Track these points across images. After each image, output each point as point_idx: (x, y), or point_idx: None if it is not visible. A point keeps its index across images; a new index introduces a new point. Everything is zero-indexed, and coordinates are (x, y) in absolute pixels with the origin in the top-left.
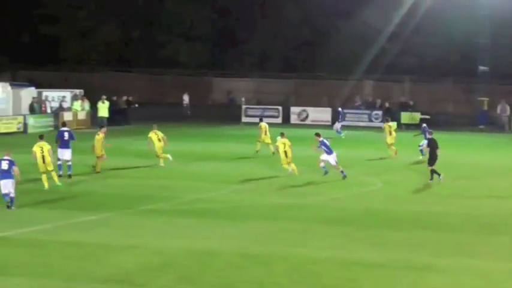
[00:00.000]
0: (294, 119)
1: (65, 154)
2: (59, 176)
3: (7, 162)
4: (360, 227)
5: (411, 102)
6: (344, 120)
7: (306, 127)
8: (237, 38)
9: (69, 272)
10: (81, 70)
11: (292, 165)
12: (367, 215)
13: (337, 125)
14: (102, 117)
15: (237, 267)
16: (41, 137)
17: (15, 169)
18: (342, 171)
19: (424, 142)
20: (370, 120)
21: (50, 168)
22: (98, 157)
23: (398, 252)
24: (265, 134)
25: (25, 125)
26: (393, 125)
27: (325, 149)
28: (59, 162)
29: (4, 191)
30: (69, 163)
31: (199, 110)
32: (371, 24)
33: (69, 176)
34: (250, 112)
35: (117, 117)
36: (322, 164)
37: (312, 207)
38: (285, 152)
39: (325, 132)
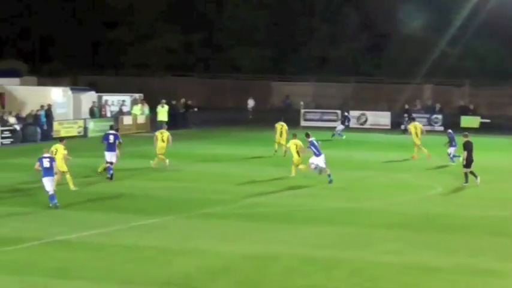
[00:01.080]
0: (352, 122)
1: (112, 157)
2: (108, 177)
3: (48, 159)
4: (419, 231)
5: (471, 106)
6: (348, 125)
7: (365, 131)
8: (297, 42)
9: (129, 275)
10: (141, 74)
11: (301, 166)
12: (426, 219)
13: (340, 127)
14: (161, 121)
15: (296, 271)
16: (61, 139)
17: (55, 165)
18: (329, 175)
19: (451, 149)
20: (430, 124)
21: (64, 169)
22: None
23: (458, 256)
24: (280, 135)
25: (85, 129)
26: (418, 125)
27: (314, 150)
28: (107, 165)
29: (48, 188)
30: (112, 166)
31: (259, 114)
32: (431, 28)
33: (110, 178)
34: (309, 116)
35: (176, 121)
36: (313, 166)
37: (371, 212)
38: (298, 153)
39: (385, 136)
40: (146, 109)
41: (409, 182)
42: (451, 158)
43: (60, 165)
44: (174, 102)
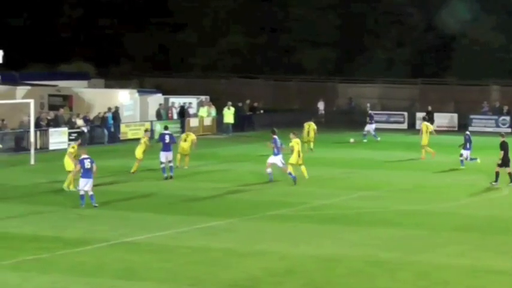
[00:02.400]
0: (419, 124)
1: (168, 156)
2: (165, 178)
3: (89, 160)
4: (487, 234)
5: None
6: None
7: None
8: (363, 44)
9: (195, 277)
10: (207, 77)
11: (303, 168)
12: (494, 221)
13: (370, 127)
14: (227, 123)
15: (362, 273)
16: (75, 139)
17: (95, 167)
18: (289, 173)
19: (464, 152)
20: (497, 126)
21: (70, 169)
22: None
23: None
24: (308, 134)
25: (152, 131)
26: (430, 126)
27: (275, 148)
28: (162, 166)
29: (84, 189)
30: (171, 164)
31: (326, 116)
32: (499, 29)
33: (171, 177)
34: (376, 118)
35: (242, 123)
36: (269, 170)
37: (438, 214)
38: (298, 152)
39: (451, 138)
40: (213, 111)
41: (476, 184)
42: (462, 161)
43: (69, 163)
44: (240, 104)
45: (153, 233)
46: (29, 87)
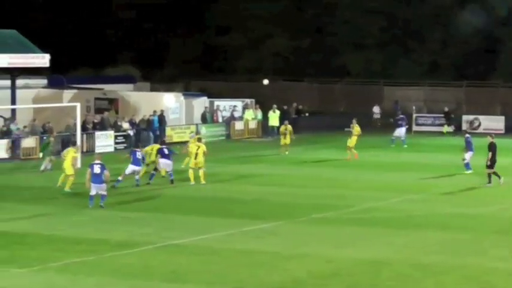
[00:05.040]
0: (465, 127)
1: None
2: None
3: (99, 166)
4: None
5: None
6: (402, 124)
7: (478, 135)
8: (408, 46)
9: (241, 279)
10: (252, 80)
11: (201, 171)
12: None
13: (401, 131)
14: (272, 127)
15: (408, 277)
16: (73, 143)
17: (106, 173)
18: (170, 174)
19: (467, 154)
20: None
21: (69, 172)
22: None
23: None
24: (350, 137)
25: (197, 134)
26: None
27: (165, 152)
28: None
29: (93, 193)
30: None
31: (368, 119)
32: None
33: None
34: (420, 121)
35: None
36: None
37: (485, 217)
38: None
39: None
40: (259, 114)
41: None
42: (466, 165)
43: (67, 167)
44: (285, 107)
45: (198, 236)
46: (75, 91)
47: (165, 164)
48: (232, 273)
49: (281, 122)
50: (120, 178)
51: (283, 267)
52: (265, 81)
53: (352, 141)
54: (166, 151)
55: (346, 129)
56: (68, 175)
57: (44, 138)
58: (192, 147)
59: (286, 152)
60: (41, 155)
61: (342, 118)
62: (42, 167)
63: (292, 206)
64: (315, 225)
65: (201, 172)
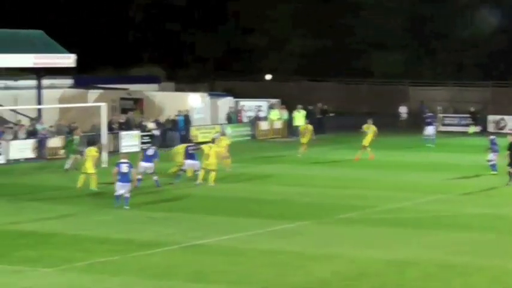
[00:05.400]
0: (491, 127)
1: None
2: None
3: (127, 165)
4: None
5: None
6: (431, 123)
7: (504, 136)
8: (432, 46)
9: (266, 279)
10: (277, 80)
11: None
12: None
13: (430, 130)
14: (297, 127)
15: (434, 277)
16: (94, 143)
17: (134, 171)
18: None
19: (492, 155)
20: None
21: (91, 171)
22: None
23: None
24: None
25: (222, 134)
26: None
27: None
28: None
29: (118, 193)
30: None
31: (395, 119)
32: None
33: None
34: (446, 121)
35: (312, 126)
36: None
37: (507, 218)
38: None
39: None
40: (285, 114)
41: None
42: (492, 166)
43: (89, 166)
44: (311, 107)
45: (223, 236)
46: (100, 91)
47: (190, 164)
48: (257, 273)
49: (306, 122)
50: (139, 177)
51: (308, 268)
52: (268, 76)
53: (367, 140)
54: (190, 151)
55: (361, 130)
56: (89, 174)
57: (68, 136)
58: (206, 148)
59: (304, 151)
60: (62, 151)
61: (367, 119)
62: (66, 166)
63: (318, 207)
64: (341, 225)
65: (212, 174)
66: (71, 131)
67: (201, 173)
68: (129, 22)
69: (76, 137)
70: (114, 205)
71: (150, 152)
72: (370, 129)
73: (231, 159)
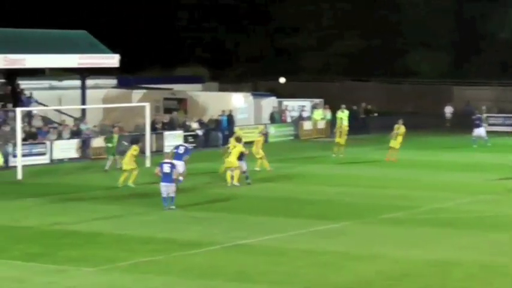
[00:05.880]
0: None
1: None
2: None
3: (169, 165)
4: None
5: None
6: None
7: None
8: (477, 45)
9: (309, 280)
10: (321, 80)
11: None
12: None
13: (480, 131)
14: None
15: (478, 278)
16: (136, 142)
17: (176, 172)
18: (246, 176)
19: None
20: None
21: (130, 167)
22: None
23: None
24: (395, 138)
25: (266, 134)
26: None
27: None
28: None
29: (164, 194)
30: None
31: (439, 120)
32: None
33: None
34: (491, 121)
35: (356, 126)
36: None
37: None
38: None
39: None
40: (328, 114)
41: None
42: None
43: (127, 162)
44: (355, 107)
45: (266, 236)
46: (144, 91)
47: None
48: (300, 273)
49: (349, 122)
50: (180, 178)
51: (351, 268)
52: (282, 80)
53: (397, 142)
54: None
55: (394, 131)
56: (128, 170)
57: (109, 136)
58: (230, 147)
59: (335, 150)
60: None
61: (411, 118)
62: (106, 166)
63: (360, 207)
64: (384, 225)
65: (235, 172)
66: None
67: (228, 174)
68: (175, 22)
69: (115, 135)
70: (163, 208)
71: (181, 150)
72: (400, 130)
73: (266, 158)
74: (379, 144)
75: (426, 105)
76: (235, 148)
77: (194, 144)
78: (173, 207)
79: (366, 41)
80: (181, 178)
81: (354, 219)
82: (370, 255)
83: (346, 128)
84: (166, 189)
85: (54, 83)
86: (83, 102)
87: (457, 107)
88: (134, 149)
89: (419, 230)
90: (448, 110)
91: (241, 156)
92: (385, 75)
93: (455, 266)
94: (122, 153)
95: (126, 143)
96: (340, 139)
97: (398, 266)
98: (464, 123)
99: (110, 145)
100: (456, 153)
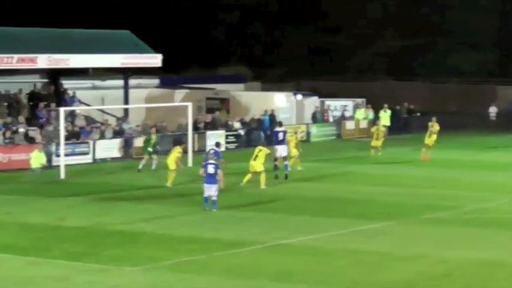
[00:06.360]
0: None
1: (282, 152)
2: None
3: (213, 166)
4: None
5: None
6: None
7: None
8: None
9: (351, 280)
10: (363, 79)
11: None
12: None
13: None
14: (384, 126)
15: None
16: (180, 143)
17: (220, 173)
18: (286, 166)
19: None
20: None
21: (171, 168)
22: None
23: None
24: (430, 136)
25: (308, 133)
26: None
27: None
28: (275, 163)
29: (206, 194)
30: (286, 162)
31: (484, 119)
32: None
33: (285, 176)
34: None
35: (398, 126)
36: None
37: None
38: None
39: None
40: (371, 114)
41: None
42: None
43: (169, 163)
44: (398, 107)
45: (308, 236)
46: (186, 91)
47: (280, 150)
48: (342, 273)
49: (391, 121)
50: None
51: (394, 268)
52: (299, 97)
53: (431, 140)
54: (280, 136)
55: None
56: (170, 170)
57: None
58: (256, 150)
59: (372, 152)
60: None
61: (455, 118)
62: (140, 166)
63: (403, 206)
64: (427, 225)
65: (261, 176)
66: (157, 131)
67: (248, 175)
68: (218, 22)
69: (153, 136)
70: (203, 208)
71: (211, 152)
72: (434, 128)
73: (299, 158)
74: (420, 144)
75: (470, 104)
76: (260, 152)
77: (236, 144)
78: (215, 210)
79: (409, 40)
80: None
81: (396, 219)
82: (412, 255)
83: (383, 129)
84: (209, 189)
85: (97, 82)
86: (126, 101)
87: (501, 106)
88: (178, 151)
89: (461, 230)
90: (492, 110)
91: (282, 140)
92: (429, 74)
93: (498, 266)
94: (157, 153)
95: (158, 146)
96: (377, 141)
97: (440, 266)
98: (508, 123)
99: (149, 145)
100: (499, 153)
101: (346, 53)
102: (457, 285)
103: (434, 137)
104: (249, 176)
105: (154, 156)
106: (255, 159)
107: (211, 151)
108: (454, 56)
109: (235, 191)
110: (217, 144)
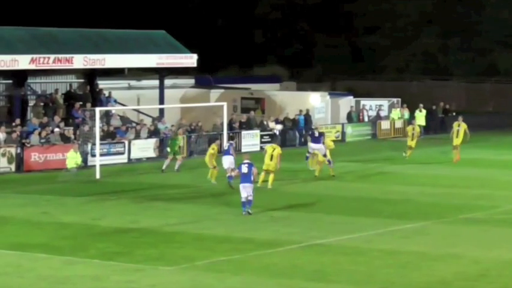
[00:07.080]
0: None
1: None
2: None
3: (247, 165)
4: None
5: None
6: None
7: None
8: None
9: (387, 280)
10: (399, 79)
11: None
12: None
13: None
14: (419, 126)
15: None
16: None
17: (254, 170)
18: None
19: None
20: None
21: (210, 166)
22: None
23: None
24: (457, 135)
25: (343, 133)
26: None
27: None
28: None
29: (243, 198)
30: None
31: None
32: None
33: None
34: None
35: (434, 125)
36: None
37: None
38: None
39: None
40: (406, 113)
41: None
42: None
43: (208, 161)
44: (434, 107)
45: (345, 236)
46: (222, 91)
47: (316, 148)
48: (378, 273)
49: (427, 121)
50: (233, 174)
51: (429, 268)
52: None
53: (459, 139)
54: (316, 133)
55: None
56: (210, 168)
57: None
58: (269, 149)
59: (408, 153)
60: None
61: (491, 117)
62: (163, 166)
63: (440, 206)
64: (463, 225)
65: (271, 176)
66: (192, 131)
67: (261, 175)
68: (254, 23)
69: (178, 137)
70: (242, 212)
71: (226, 146)
72: (461, 127)
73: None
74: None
75: (507, 104)
76: (274, 150)
77: (271, 144)
78: (251, 211)
79: (445, 40)
80: (233, 174)
81: (433, 219)
82: (448, 255)
83: (418, 130)
84: (245, 190)
85: (133, 82)
86: (161, 101)
87: None
88: (212, 148)
89: (498, 230)
90: None
91: (318, 138)
92: (465, 74)
93: None
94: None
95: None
96: (412, 142)
97: (477, 267)
98: None
99: (175, 146)
100: None
101: (383, 52)
102: (493, 285)
103: (462, 136)
104: (263, 176)
105: (178, 157)
106: (271, 159)
107: (226, 145)
108: (490, 56)
109: (271, 191)
110: (232, 138)
